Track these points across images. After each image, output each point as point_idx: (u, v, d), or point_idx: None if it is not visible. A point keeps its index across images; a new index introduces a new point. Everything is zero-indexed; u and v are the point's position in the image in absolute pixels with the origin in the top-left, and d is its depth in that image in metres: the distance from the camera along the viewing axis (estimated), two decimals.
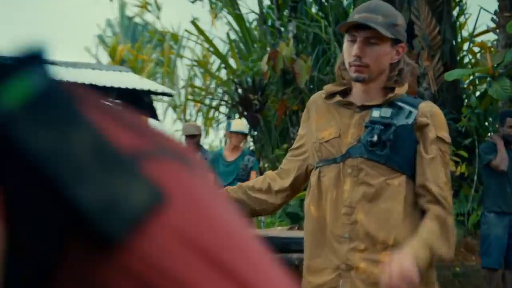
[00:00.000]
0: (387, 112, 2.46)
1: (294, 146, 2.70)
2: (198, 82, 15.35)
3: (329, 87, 2.64)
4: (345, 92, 2.61)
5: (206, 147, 14.16)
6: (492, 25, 9.57)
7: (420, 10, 9.84)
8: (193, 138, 8.92)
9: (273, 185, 2.69)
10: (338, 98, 2.59)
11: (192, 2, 13.90)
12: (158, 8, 16.32)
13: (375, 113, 2.47)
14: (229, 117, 13.72)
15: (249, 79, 12.90)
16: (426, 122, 2.46)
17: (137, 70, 15.68)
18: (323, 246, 2.53)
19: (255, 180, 2.75)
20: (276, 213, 10.25)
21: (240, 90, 13.07)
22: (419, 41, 9.83)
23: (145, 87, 10.65)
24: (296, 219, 9.73)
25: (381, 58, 2.49)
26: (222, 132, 14.61)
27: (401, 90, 2.52)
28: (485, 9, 20.97)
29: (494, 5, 9.38)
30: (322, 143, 2.56)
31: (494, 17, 9.41)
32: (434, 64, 9.71)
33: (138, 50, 17.57)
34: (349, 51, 2.50)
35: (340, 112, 2.58)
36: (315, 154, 2.58)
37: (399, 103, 2.50)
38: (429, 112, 2.47)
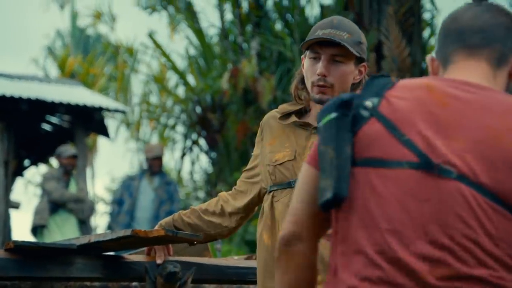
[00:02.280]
0: None
1: (248, 166, 2.73)
2: (153, 99, 15.34)
3: (284, 107, 2.67)
4: (301, 112, 2.65)
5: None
6: None
7: (389, 30, 10.02)
8: (158, 160, 8.94)
9: (226, 207, 2.72)
10: (293, 118, 2.62)
11: (149, 14, 13.93)
12: (112, 19, 16.31)
13: None
14: (186, 136, 13.72)
15: (208, 97, 12.94)
16: None
17: (88, 84, 15.61)
18: None
19: (208, 202, 2.78)
20: (233, 241, 10.26)
21: (198, 109, 13.09)
22: (388, 63, 10.00)
23: (97, 103, 10.63)
24: (255, 248, 9.76)
25: (346, 77, 2.53)
26: (178, 153, 14.61)
27: None
28: None
29: None
30: (275, 166, 2.58)
31: None
32: None
33: (89, 63, 17.50)
34: (312, 69, 2.52)
35: (296, 134, 2.60)
36: (269, 177, 2.60)
37: None
38: None
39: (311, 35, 2.54)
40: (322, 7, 12.25)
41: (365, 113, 1.65)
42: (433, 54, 1.83)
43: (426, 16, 11.93)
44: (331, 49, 2.51)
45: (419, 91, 1.67)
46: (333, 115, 1.65)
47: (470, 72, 1.71)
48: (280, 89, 12.16)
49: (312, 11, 16.71)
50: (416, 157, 1.61)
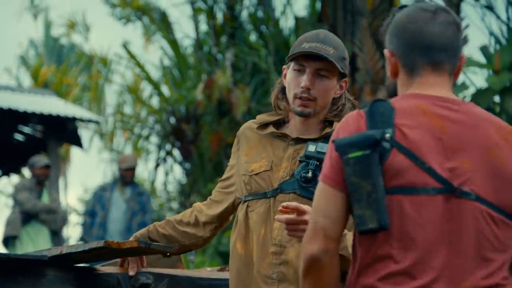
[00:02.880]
0: (323, 147, 2.49)
1: (223, 176, 2.72)
2: (127, 110, 15.27)
3: (262, 117, 2.66)
4: (279, 123, 2.64)
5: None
6: None
7: (363, 42, 10.06)
8: (131, 170, 8.89)
9: (200, 217, 2.71)
10: (271, 129, 2.61)
11: (124, 25, 13.89)
12: (87, 28, 16.24)
13: (311, 148, 2.50)
14: (160, 147, 13.67)
15: (182, 108, 12.90)
16: None
17: (61, 94, 15.51)
18: (249, 287, 2.53)
19: (183, 213, 2.76)
20: (207, 252, 10.21)
21: (172, 120, 13.05)
22: (362, 75, 10.04)
23: (70, 113, 10.55)
24: (228, 259, 9.71)
25: (329, 92, 2.55)
26: (152, 164, 14.56)
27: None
28: None
29: None
30: (251, 176, 2.57)
31: None
32: None
33: (63, 72, 17.40)
34: (296, 81, 2.52)
35: (273, 144, 2.60)
36: (244, 187, 2.59)
37: None
38: None
39: (297, 47, 2.54)
40: (297, 19, 12.29)
41: (387, 145, 1.87)
42: (388, 47, 2.01)
43: None
44: (316, 63, 2.52)
45: (419, 117, 1.90)
46: (367, 152, 1.84)
47: (438, 87, 1.96)
48: (255, 100, 12.16)
49: (287, 23, 16.75)
50: (439, 183, 1.86)
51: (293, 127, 2.59)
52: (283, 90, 2.61)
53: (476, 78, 24.50)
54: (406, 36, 1.98)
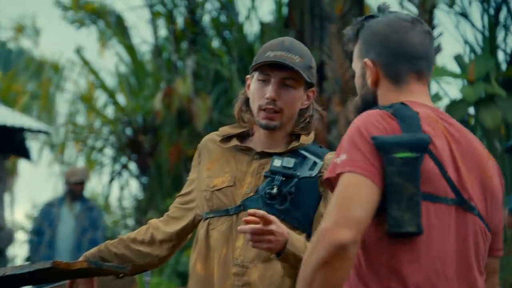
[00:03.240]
0: (289, 161, 2.49)
1: (183, 191, 2.70)
2: (80, 120, 15.17)
3: (225, 129, 2.65)
4: (243, 136, 2.63)
5: (87, 194, 13.94)
6: None
7: (332, 49, 10.12)
8: (81, 185, 8.81)
9: (157, 234, 2.68)
10: (235, 142, 2.60)
11: (77, 29, 13.81)
12: (36, 32, 16.12)
13: (277, 162, 2.50)
14: (115, 160, 13.59)
15: (139, 118, 12.85)
16: None
17: (9, 103, 15.35)
18: None
19: (137, 230, 2.74)
20: (164, 273, 10.15)
21: (129, 130, 12.99)
22: (331, 84, 10.09)
23: (18, 123, 10.43)
24: (187, 280, 9.67)
25: (296, 102, 2.55)
26: (106, 178, 14.47)
27: (307, 139, 2.56)
28: None
29: None
30: (213, 192, 2.56)
31: None
32: (346, 110, 9.97)
33: (10, 79, 17.23)
34: (260, 92, 2.52)
35: (237, 158, 2.59)
36: (205, 203, 2.58)
37: (304, 153, 2.54)
38: None
39: (261, 56, 2.54)
40: (262, 24, 12.34)
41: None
42: (367, 56, 2.12)
43: None
44: (282, 73, 2.52)
45: (436, 125, 2.03)
46: (414, 154, 1.94)
47: (423, 96, 2.11)
48: (217, 110, 12.16)
49: (251, 28, 16.81)
50: (454, 194, 2.00)
51: (258, 140, 2.59)
52: (247, 101, 2.61)
53: (450, 89, 24.81)
54: (390, 44, 2.11)
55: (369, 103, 2.13)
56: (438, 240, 1.97)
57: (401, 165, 1.93)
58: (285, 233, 2.35)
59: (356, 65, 2.18)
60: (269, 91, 2.50)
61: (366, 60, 2.12)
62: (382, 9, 2.20)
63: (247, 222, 2.34)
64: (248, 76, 2.61)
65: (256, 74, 2.55)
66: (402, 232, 1.92)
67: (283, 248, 2.36)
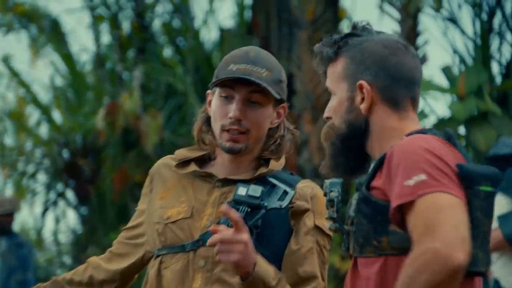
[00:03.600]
0: (256, 190, 2.49)
1: (130, 224, 2.69)
2: (8, 140, 15.06)
3: (181, 153, 2.65)
4: (203, 160, 2.64)
5: (16, 227, 13.81)
6: None
7: (302, 59, 10.18)
8: (9, 217, 8.74)
9: (97, 274, 2.68)
10: (193, 167, 2.61)
11: (5, 34, 13.74)
12: None
13: (241, 191, 2.50)
14: (50, 187, 13.51)
15: (78, 139, 12.80)
16: (305, 207, 2.51)
17: None
18: None
19: (74, 270, 2.72)
20: None
21: (66, 153, 12.92)
22: (301, 99, 10.13)
23: None
24: None
25: (263, 122, 2.56)
26: (39, 208, 14.36)
27: (277, 165, 2.58)
28: None
29: None
30: (167, 225, 2.56)
31: None
32: (318, 130, 10.03)
33: None
34: (223, 110, 2.52)
35: (195, 186, 2.59)
36: (157, 238, 2.57)
37: (272, 180, 2.55)
38: (310, 195, 2.53)
39: (222, 70, 2.55)
40: (222, 30, 12.38)
41: None
42: (363, 78, 2.21)
43: None
44: (247, 88, 2.52)
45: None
46: (493, 189, 2.09)
47: (418, 124, 2.24)
48: (169, 129, 12.15)
49: (209, 35, 16.89)
50: None
51: (221, 166, 2.59)
52: (208, 120, 2.61)
53: (437, 105, 25.04)
54: (390, 67, 2.22)
55: (359, 129, 2.20)
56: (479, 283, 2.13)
57: (484, 199, 2.06)
58: (254, 252, 2.37)
59: (338, 87, 2.22)
60: (233, 109, 2.51)
61: (362, 82, 2.19)
62: (365, 27, 2.27)
63: (216, 232, 2.35)
64: (209, 91, 2.62)
65: (218, 90, 2.56)
66: (474, 271, 2.03)
67: (251, 270, 2.37)
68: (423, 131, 2.18)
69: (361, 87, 2.19)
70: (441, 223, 1.98)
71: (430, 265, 1.96)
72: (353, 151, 2.23)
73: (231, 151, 2.54)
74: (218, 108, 2.55)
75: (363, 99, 2.20)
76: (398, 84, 2.21)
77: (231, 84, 2.53)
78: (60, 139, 13.03)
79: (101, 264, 2.69)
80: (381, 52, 2.22)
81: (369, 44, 2.23)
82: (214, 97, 2.58)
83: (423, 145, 2.08)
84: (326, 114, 2.28)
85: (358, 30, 2.27)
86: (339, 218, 2.24)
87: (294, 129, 2.65)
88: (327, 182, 2.25)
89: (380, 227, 2.14)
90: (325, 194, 2.25)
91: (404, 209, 2.05)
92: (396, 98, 2.21)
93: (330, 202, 2.24)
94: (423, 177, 2.03)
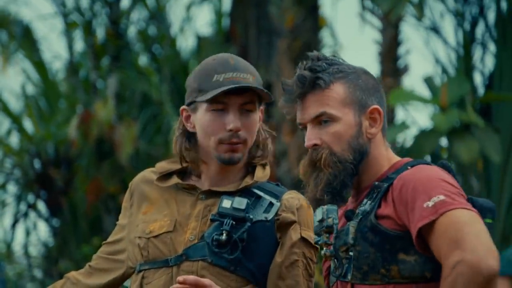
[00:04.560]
0: (241, 202, 2.49)
1: (110, 239, 2.68)
2: None
3: (162, 165, 2.64)
4: (185, 172, 2.63)
5: None
6: None
7: (281, 68, 10.20)
8: None
9: None
10: (175, 180, 2.60)
11: None
12: None
13: (226, 203, 2.49)
14: (20, 198, 13.44)
15: (50, 148, 12.75)
16: (292, 219, 2.51)
17: None
18: None
19: (52, 286, 2.70)
20: None
21: (37, 163, 12.86)
22: (279, 111, 10.14)
23: None
24: None
25: (255, 128, 2.57)
26: (8, 220, 14.28)
27: (262, 176, 2.57)
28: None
29: (375, 68, 9.94)
30: (149, 239, 2.55)
31: None
32: (297, 141, 10.03)
33: None
34: (217, 124, 2.51)
35: (178, 199, 2.58)
36: (139, 253, 2.56)
37: (258, 192, 2.54)
38: (296, 206, 2.52)
39: (207, 83, 2.51)
40: (199, 38, 12.39)
41: None
42: (373, 103, 2.33)
43: (326, 52, 12.25)
44: (240, 98, 2.52)
45: None
46: (492, 221, 2.25)
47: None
48: (145, 139, 12.13)
49: (186, 43, 16.87)
50: None
51: (206, 176, 2.58)
52: (189, 137, 2.59)
53: (419, 116, 25.17)
54: (383, 96, 2.37)
55: (364, 155, 2.31)
56: None
57: (490, 228, 2.20)
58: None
59: (342, 112, 2.31)
60: (232, 121, 2.50)
61: (376, 106, 2.32)
62: (335, 56, 2.39)
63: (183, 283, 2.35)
64: (184, 107, 2.59)
65: (205, 105, 2.53)
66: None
67: None
68: (426, 162, 2.31)
69: (374, 112, 2.32)
70: (466, 235, 2.09)
71: (465, 276, 2.07)
72: (352, 178, 2.31)
73: (231, 162, 2.53)
74: (211, 123, 2.52)
75: (370, 124, 2.32)
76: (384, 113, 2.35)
77: (222, 96, 2.52)
78: (31, 149, 12.98)
79: (80, 280, 2.67)
80: (374, 80, 2.35)
81: (360, 72, 2.35)
82: (200, 113, 2.54)
83: (435, 174, 2.23)
84: (313, 141, 2.31)
85: (332, 59, 2.36)
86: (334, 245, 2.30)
87: (270, 131, 2.66)
88: (324, 208, 2.29)
89: (389, 256, 2.21)
90: (322, 220, 2.29)
91: (426, 230, 2.15)
92: (386, 126, 2.35)
93: (328, 229, 2.29)
94: (442, 197, 2.16)
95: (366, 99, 2.32)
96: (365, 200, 2.30)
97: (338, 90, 2.30)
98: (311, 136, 2.32)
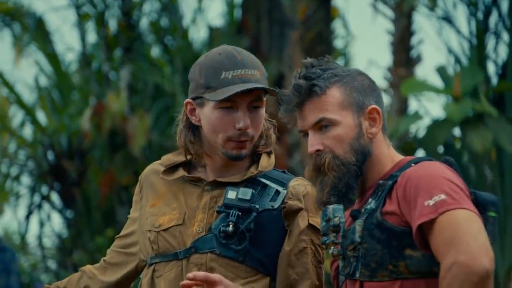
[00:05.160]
0: (246, 193, 2.49)
1: (123, 233, 2.69)
2: None
3: (168, 158, 2.64)
4: (190, 164, 2.64)
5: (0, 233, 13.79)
6: (384, 83, 10.07)
7: (293, 59, 10.19)
8: None
9: (92, 285, 2.68)
10: (181, 172, 2.60)
11: None
12: None
13: (231, 194, 2.49)
14: (34, 190, 13.48)
15: (64, 140, 12.77)
16: (298, 207, 2.51)
17: None
18: None
19: (67, 279, 2.72)
20: None
21: (51, 155, 12.89)
22: None
23: None
24: None
25: (262, 124, 2.57)
26: (23, 211, 14.33)
27: (267, 165, 2.57)
28: (376, 63, 22.03)
29: (387, 59, 9.91)
30: (159, 232, 2.55)
31: (387, 73, 9.91)
32: None
33: None
34: (226, 122, 2.51)
35: (185, 192, 2.58)
36: (149, 246, 2.57)
37: (263, 180, 2.55)
38: (303, 193, 2.52)
39: (215, 79, 2.50)
40: (211, 29, 12.38)
41: None
42: (371, 103, 2.36)
43: (338, 43, 12.24)
44: (249, 96, 2.52)
45: None
46: (496, 215, 2.30)
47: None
48: (157, 130, 12.14)
49: (198, 34, 16.84)
50: None
51: (211, 167, 2.58)
52: (194, 130, 2.60)
53: (432, 106, 25.05)
54: (380, 95, 2.41)
55: (367, 155, 2.35)
56: None
57: (492, 224, 2.27)
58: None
59: (341, 115, 2.33)
60: (242, 119, 2.50)
61: (374, 106, 2.35)
62: (328, 60, 2.42)
63: (184, 287, 2.36)
64: (190, 100, 2.59)
65: (213, 103, 2.53)
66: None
67: None
68: (429, 159, 2.34)
69: (372, 112, 2.35)
70: (462, 235, 2.14)
71: (459, 277, 2.11)
72: (357, 180, 2.33)
73: (238, 158, 2.54)
74: (219, 120, 2.52)
75: (370, 124, 2.35)
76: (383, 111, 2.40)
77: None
78: (44, 141, 13.00)
79: (96, 275, 2.68)
80: (369, 81, 2.39)
81: (355, 73, 2.39)
82: (208, 109, 2.54)
83: (438, 171, 2.26)
84: (316, 147, 2.34)
85: (326, 64, 2.38)
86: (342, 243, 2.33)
87: (271, 120, 2.65)
88: (330, 207, 2.32)
89: (396, 252, 2.24)
90: (329, 220, 2.32)
91: (426, 228, 2.19)
92: (385, 125, 2.40)
93: (335, 228, 2.31)
94: (442, 196, 2.19)
95: (363, 100, 2.35)
96: (370, 199, 2.32)
97: (334, 94, 2.33)
98: (313, 142, 2.34)
